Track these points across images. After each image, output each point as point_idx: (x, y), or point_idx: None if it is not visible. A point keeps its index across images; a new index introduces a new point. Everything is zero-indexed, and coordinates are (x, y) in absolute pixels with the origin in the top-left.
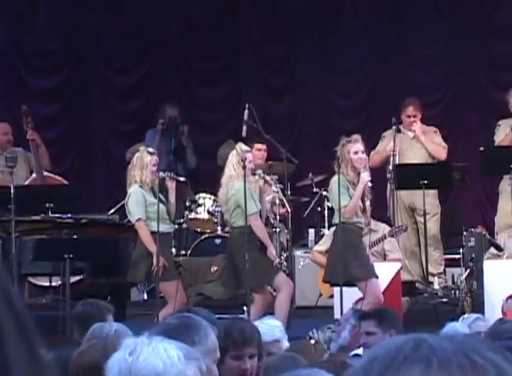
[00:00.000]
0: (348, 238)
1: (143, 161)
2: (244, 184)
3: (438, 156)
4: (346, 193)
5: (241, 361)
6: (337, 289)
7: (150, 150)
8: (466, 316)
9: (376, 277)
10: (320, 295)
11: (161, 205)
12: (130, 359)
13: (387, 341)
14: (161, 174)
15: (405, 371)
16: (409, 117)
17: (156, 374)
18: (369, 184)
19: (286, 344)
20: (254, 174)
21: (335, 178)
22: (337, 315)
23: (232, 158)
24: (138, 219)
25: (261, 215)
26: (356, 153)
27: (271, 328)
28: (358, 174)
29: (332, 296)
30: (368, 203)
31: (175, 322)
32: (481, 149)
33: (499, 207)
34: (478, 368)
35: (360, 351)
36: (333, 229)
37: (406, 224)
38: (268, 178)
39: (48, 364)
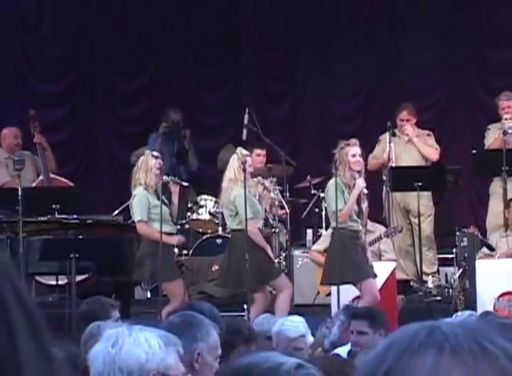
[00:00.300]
0: (342, 242)
1: (148, 165)
2: (244, 187)
3: (430, 157)
4: (341, 197)
5: None
6: (334, 287)
7: (155, 153)
8: (459, 313)
9: (374, 276)
10: (318, 293)
11: (164, 207)
12: (113, 351)
13: (404, 328)
14: (165, 178)
15: (419, 357)
16: (402, 121)
17: (140, 364)
18: (365, 191)
19: (310, 338)
20: (254, 176)
21: (331, 181)
22: (334, 312)
23: (234, 162)
24: (139, 221)
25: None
26: (354, 156)
27: (296, 324)
28: (357, 173)
29: (329, 294)
30: (366, 205)
31: (178, 320)
32: (474, 152)
33: (489, 208)
34: (489, 354)
35: (341, 350)
36: (330, 230)
37: (401, 225)
38: (267, 184)
39: (60, 362)
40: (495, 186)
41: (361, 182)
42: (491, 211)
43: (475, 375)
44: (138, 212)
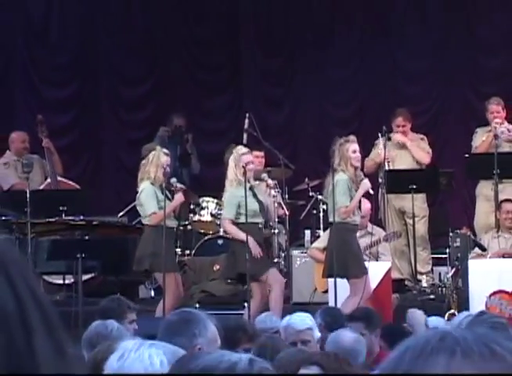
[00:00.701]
0: (344, 237)
1: (159, 160)
2: (245, 187)
3: (423, 161)
4: (348, 194)
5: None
6: (331, 285)
7: (166, 151)
8: (452, 311)
9: (367, 272)
10: (315, 290)
11: (168, 202)
12: (118, 364)
13: (419, 335)
14: (173, 179)
15: (433, 360)
16: (398, 126)
17: None
18: (371, 191)
19: (317, 332)
20: (259, 179)
21: (341, 176)
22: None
23: (231, 163)
24: (153, 213)
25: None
26: (354, 152)
27: (303, 318)
28: (355, 169)
29: (326, 291)
30: (368, 206)
31: (176, 318)
32: (466, 155)
33: (476, 210)
34: (497, 356)
35: None
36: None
37: (397, 227)
38: (270, 182)
39: (75, 360)
40: (482, 188)
41: (367, 182)
42: (478, 213)
43: (485, 373)
44: (150, 205)
